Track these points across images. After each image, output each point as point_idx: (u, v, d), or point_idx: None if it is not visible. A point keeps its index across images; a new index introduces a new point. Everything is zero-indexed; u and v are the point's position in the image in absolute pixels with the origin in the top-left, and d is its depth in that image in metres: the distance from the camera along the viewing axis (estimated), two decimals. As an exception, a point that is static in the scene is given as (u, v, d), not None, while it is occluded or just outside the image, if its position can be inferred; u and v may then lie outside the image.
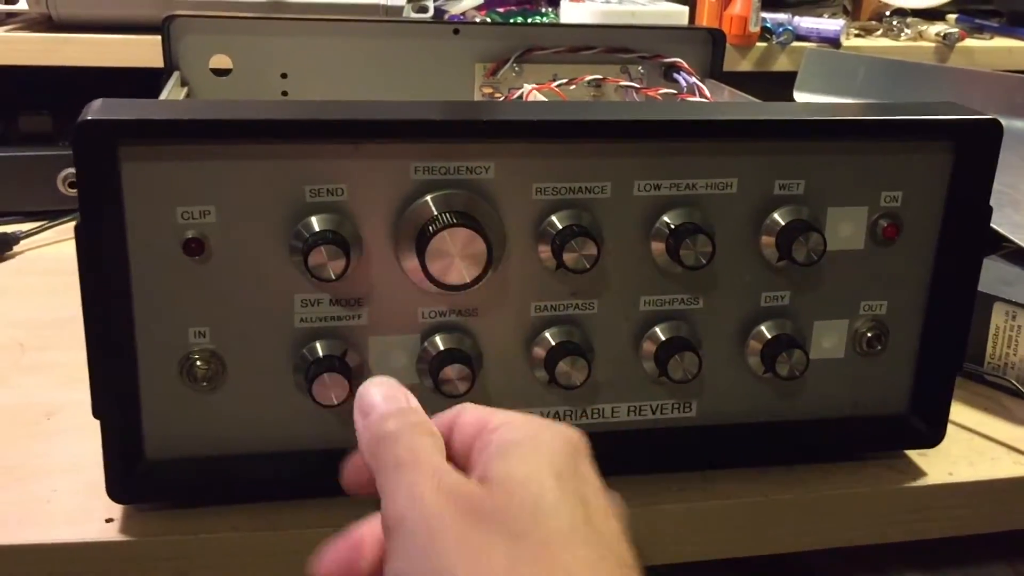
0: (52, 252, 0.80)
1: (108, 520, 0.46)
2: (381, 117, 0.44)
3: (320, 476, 0.47)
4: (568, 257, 0.45)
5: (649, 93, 0.73)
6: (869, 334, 0.51)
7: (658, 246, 0.47)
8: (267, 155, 0.43)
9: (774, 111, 0.50)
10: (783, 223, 0.47)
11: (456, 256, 0.43)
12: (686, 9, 1.03)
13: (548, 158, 0.45)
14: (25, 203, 0.86)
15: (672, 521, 0.50)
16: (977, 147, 0.48)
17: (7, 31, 0.93)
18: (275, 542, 0.46)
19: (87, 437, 0.45)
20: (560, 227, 0.45)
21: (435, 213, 0.44)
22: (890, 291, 0.51)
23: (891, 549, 0.57)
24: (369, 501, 0.47)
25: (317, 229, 0.43)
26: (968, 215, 0.49)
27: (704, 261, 0.46)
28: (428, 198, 0.44)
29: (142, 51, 0.89)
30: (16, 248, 0.80)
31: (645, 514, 0.49)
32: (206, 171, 0.42)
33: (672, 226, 0.46)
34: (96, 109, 0.41)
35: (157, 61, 0.72)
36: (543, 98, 0.69)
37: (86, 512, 0.46)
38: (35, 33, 0.92)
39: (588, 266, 0.45)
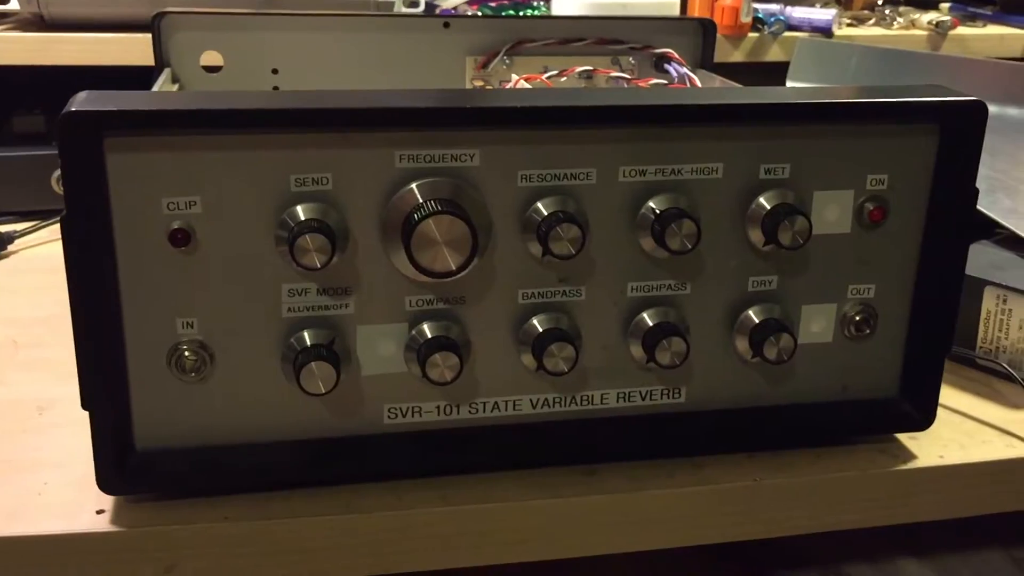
0: (46, 251, 0.80)
1: (99, 512, 0.46)
2: (365, 105, 0.44)
3: (310, 464, 0.48)
4: (554, 244, 0.45)
5: (640, 84, 0.73)
6: (857, 318, 0.51)
7: (644, 231, 0.47)
8: (252, 145, 0.43)
9: (758, 95, 0.50)
10: (769, 207, 0.47)
11: (442, 243, 0.43)
12: (677, 0, 1.03)
13: (533, 145, 0.45)
14: (19, 203, 0.86)
15: (662, 506, 0.50)
16: (962, 129, 0.48)
17: (-1, 31, 0.93)
18: (266, 531, 0.46)
19: (79, 432, 0.45)
20: (546, 213, 0.45)
21: (420, 201, 0.44)
22: (878, 274, 0.51)
23: (885, 535, 0.57)
24: (360, 487, 0.48)
25: (303, 218, 0.43)
26: (954, 197, 0.49)
27: (690, 246, 0.46)
28: (413, 186, 0.44)
29: (135, 49, 0.89)
30: (11, 248, 0.80)
31: (635, 500, 0.49)
32: (191, 161, 0.42)
33: (657, 211, 0.46)
34: (81, 100, 0.41)
35: (150, 59, 0.72)
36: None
37: (77, 504, 0.46)
38: (27, 33, 0.92)
39: (574, 252, 0.45)
